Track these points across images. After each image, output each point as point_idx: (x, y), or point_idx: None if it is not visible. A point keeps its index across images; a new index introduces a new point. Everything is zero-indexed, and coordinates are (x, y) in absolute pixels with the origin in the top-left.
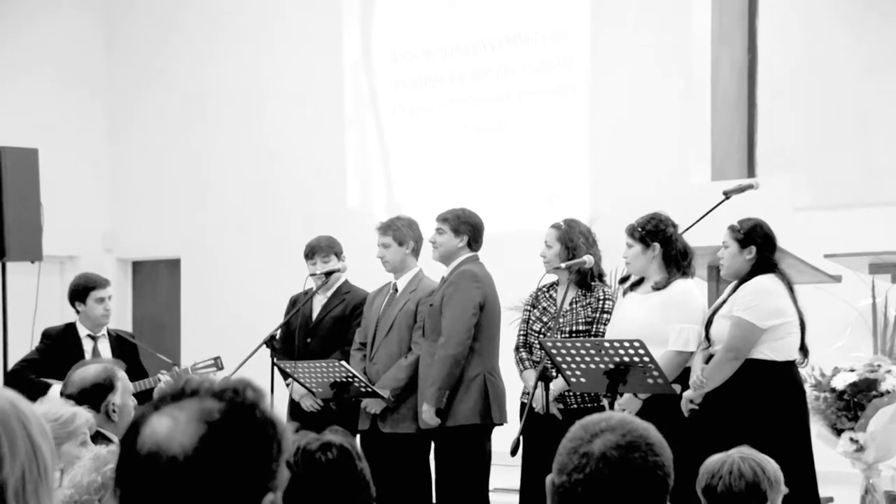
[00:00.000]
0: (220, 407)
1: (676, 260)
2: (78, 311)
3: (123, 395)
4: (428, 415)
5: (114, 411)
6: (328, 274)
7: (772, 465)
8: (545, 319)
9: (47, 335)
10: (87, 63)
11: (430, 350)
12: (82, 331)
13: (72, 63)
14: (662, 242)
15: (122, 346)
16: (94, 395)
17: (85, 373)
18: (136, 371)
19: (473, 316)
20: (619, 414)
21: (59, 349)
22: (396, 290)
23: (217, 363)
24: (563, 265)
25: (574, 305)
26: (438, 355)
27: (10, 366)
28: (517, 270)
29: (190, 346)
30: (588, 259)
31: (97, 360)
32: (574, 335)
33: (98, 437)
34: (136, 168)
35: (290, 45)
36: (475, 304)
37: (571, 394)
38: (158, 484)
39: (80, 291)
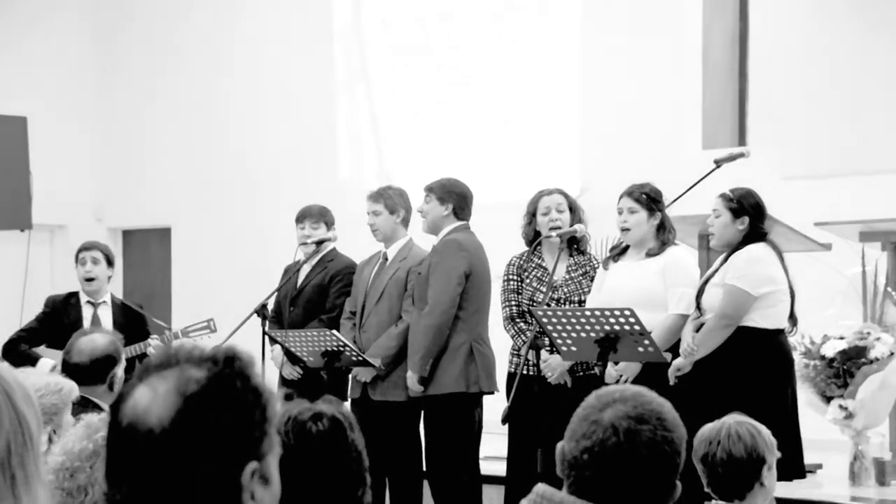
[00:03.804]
0: (200, 377)
1: (669, 230)
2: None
3: (121, 366)
4: (411, 382)
5: (116, 383)
6: (318, 243)
7: (765, 430)
8: (544, 289)
9: (48, 303)
10: (77, 31)
11: (419, 318)
12: (83, 297)
13: (62, 32)
14: (661, 211)
15: (127, 314)
16: (103, 367)
17: (94, 342)
18: (142, 338)
19: (458, 285)
20: (636, 387)
21: (58, 316)
22: (386, 259)
23: (210, 325)
24: (553, 234)
25: (572, 274)
26: (422, 324)
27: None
28: (506, 240)
29: (181, 316)
30: (580, 227)
31: (97, 330)
32: (582, 304)
33: (89, 405)
34: (126, 137)
35: (279, 12)
36: (460, 274)
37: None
38: (136, 456)
39: (75, 257)
